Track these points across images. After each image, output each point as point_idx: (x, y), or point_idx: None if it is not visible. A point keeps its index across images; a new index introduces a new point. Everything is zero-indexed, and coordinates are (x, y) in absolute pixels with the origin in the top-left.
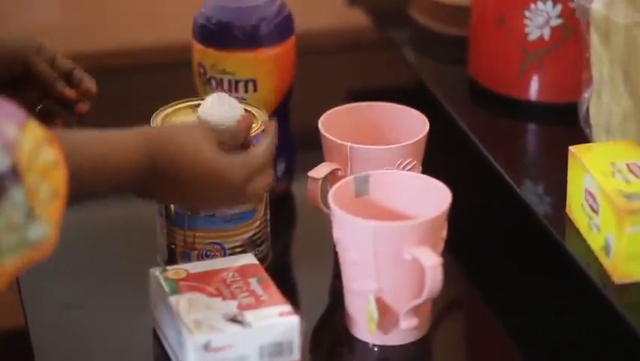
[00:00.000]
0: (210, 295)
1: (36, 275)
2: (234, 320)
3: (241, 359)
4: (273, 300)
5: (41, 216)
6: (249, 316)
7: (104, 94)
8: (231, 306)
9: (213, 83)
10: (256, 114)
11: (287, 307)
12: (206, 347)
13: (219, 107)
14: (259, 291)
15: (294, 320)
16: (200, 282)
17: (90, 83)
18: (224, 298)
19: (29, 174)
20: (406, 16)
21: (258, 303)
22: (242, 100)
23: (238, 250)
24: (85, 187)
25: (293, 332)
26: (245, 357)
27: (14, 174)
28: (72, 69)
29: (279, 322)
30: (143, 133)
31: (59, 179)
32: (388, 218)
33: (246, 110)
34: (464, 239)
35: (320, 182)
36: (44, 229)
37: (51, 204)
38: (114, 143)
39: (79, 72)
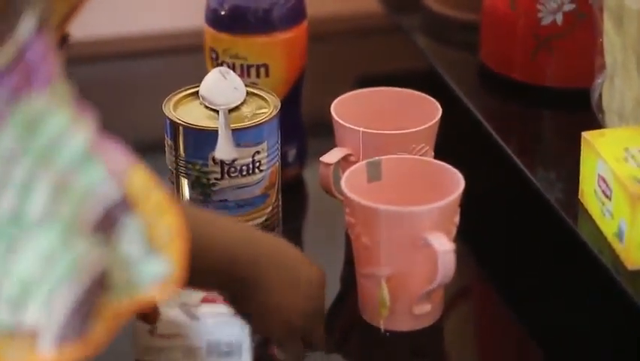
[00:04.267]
0: None
1: None
2: (188, 311)
3: (190, 350)
4: None
5: (163, 251)
6: (203, 309)
7: (115, 80)
8: (196, 297)
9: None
10: (268, 99)
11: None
12: (151, 332)
13: (223, 87)
14: None
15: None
16: None
17: None
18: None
19: (144, 207)
20: (417, 1)
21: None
22: (254, 85)
23: None
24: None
25: (242, 334)
26: (194, 350)
27: (127, 204)
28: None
29: (228, 321)
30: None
31: (176, 220)
32: (401, 203)
33: (257, 94)
34: (476, 225)
35: (332, 167)
36: (167, 266)
37: (172, 242)
38: (229, 234)
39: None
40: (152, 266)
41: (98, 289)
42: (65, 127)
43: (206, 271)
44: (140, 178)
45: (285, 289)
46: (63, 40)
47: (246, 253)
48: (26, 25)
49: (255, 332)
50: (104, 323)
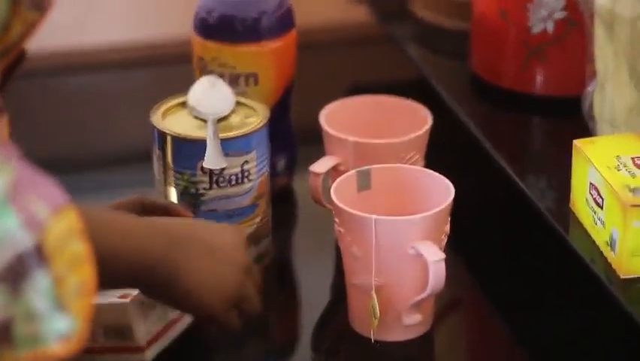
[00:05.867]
0: None
1: None
2: None
3: (91, 334)
4: None
5: (70, 309)
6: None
7: (102, 89)
8: None
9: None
10: (257, 109)
11: (132, 292)
12: None
13: (211, 96)
14: None
15: (125, 304)
16: None
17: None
18: None
19: (56, 260)
20: (407, 10)
21: None
22: (242, 94)
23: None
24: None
25: (126, 315)
26: (94, 334)
27: (39, 256)
28: (167, 206)
29: (113, 303)
30: (163, 230)
31: (88, 275)
32: (391, 213)
33: (246, 104)
34: (466, 234)
35: (322, 177)
36: (73, 324)
37: (80, 299)
38: (134, 234)
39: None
40: (57, 323)
41: None
42: None
43: (118, 273)
44: (61, 225)
45: (201, 267)
46: (19, 58)
47: (154, 248)
48: None
49: (188, 313)
50: None
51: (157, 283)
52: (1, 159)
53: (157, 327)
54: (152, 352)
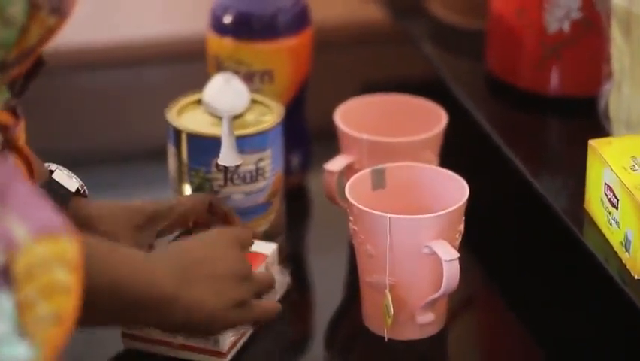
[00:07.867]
0: None
1: None
2: None
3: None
4: None
5: (34, 337)
6: None
7: (118, 87)
8: None
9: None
10: (272, 107)
11: None
12: None
13: (227, 93)
14: None
15: None
16: None
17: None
18: None
19: (25, 285)
20: (422, 8)
21: None
22: (257, 92)
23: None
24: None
25: None
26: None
27: (4, 277)
28: (227, 212)
29: None
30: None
31: (67, 306)
32: (405, 211)
33: (261, 102)
34: (480, 234)
35: (336, 175)
36: (33, 352)
37: (50, 328)
38: (141, 269)
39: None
40: (15, 348)
41: None
42: None
43: (122, 307)
44: (44, 250)
45: (201, 291)
46: (38, 63)
47: (161, 283)
48: None
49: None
50: None
51: (161, 316)
52: None
53: (237, 335)
54: (229, 357)
